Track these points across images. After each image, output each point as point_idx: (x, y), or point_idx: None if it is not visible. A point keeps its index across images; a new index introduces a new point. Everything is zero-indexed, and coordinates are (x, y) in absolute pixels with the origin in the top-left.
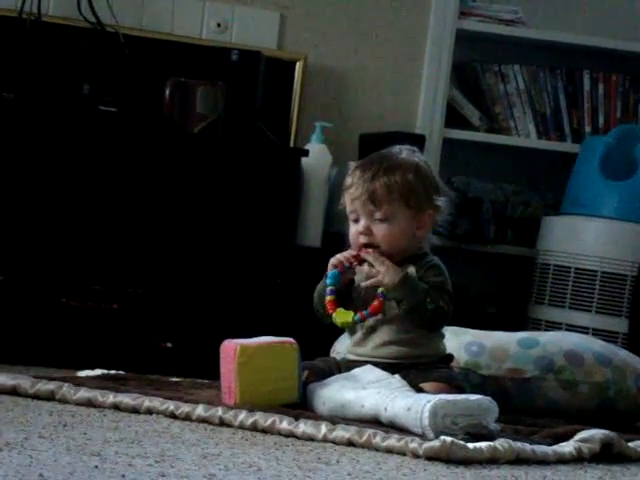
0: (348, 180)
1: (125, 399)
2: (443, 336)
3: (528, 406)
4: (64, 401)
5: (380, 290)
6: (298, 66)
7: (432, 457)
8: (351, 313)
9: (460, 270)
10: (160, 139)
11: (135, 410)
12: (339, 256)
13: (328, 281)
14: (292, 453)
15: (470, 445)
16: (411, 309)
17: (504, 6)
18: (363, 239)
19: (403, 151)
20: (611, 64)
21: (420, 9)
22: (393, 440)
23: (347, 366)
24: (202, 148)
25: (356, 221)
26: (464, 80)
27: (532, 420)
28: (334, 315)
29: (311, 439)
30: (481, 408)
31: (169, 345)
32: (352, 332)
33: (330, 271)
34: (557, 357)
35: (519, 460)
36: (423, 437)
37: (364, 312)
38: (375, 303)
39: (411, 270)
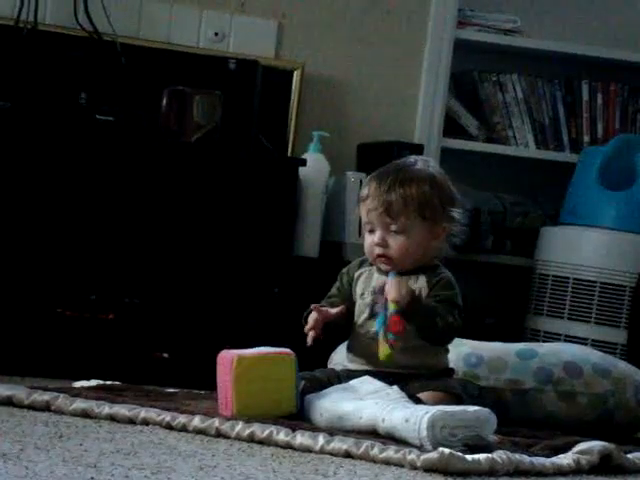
0: (364, 191)
1: (121, 410)
2: (447, 350)
3: (526, 417)
4: (60, 412)
5: (392, 308)
6: (295, 75)
7: (430, 469)
8: (385, 345)
9: (458, 280)
10: (157, 148)
11: (131, 421)
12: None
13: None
14: (289, 464)
15: (468, 457)
16: (421, 328)
17: (503, 15)
18: (378, 250)
19: (418, 162)
20: (610, 74)
21: (418, 18)
22: (391, 451)
23: (347, 376)
24: (199, 157)
25: (372, 232)
26: (462, 89)
27: (530, 432)
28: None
29: (308, 450)
30: (479, 420)
31: (165, 356)
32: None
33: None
34: (556, 368)
35: (517, 472)
36: (421, 448)
37: (390, 337)
38: (391, 324)
39: (421, 280)
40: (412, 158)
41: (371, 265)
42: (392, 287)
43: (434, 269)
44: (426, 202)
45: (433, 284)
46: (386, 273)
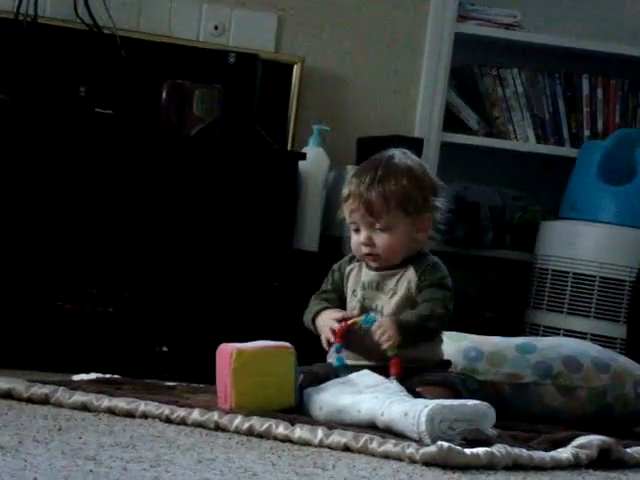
0: (345, 191)
1: (120, 403)
2: (441, 341)
3: (526, 412)
4: (59, 405)
5: (390, 354)
6: (295, 69)
7: (429, 463)
8: None
9: (458, 275)
10: (157, 142)
11: (130, 414)
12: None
13: (337, 364)
14: (288, 458)
15: (467, 451)
16: (416, 341)
17: (503, 10)
18: (365, 250)
19: (395, 155)
20: (610, 68)
21: (418, 12)
22: (390, 445)
23: (345, 370)
24: (199, 151)
25: (357, 231)
26: (462, 84)
27: (529, 426)
28: None
29: (307, 444)
30: (478, 413)
31: (165, 349)
32: None
33: (334, 355)
34: (555, 362)
35: (516, 466)
36: (420, 442)
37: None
38: (392, 367)
39: (409, 271)
40: (390, 152)
41: (359, 261)
42: (384, 332)
43: (421, 258)
44: (406, 196)
45: (421, 272)
46: (375, 269)
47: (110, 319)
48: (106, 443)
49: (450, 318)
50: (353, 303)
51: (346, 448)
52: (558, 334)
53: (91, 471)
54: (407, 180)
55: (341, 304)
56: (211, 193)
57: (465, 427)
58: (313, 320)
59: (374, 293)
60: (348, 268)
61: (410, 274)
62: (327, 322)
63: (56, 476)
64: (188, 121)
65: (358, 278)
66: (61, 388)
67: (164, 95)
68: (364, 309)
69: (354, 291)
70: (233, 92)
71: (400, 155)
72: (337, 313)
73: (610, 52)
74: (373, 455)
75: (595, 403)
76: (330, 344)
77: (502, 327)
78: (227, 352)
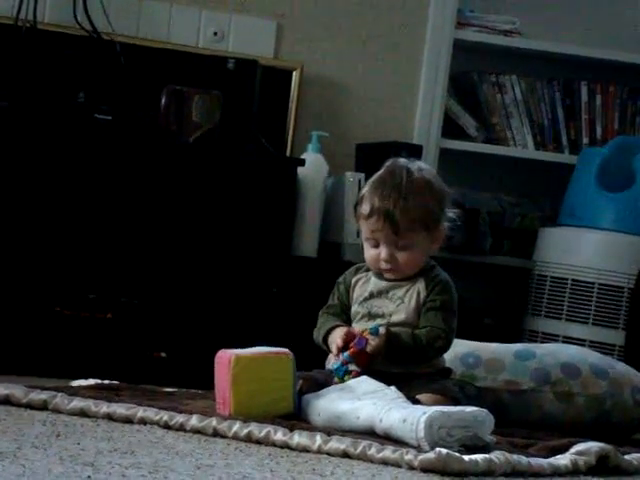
0: (366, 208)
1: (119, 409)
2: None
3: (524, 418)
4: (57, 411)
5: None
6: (295, 75)
7: (427, 469)
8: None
9: (456, 281)
10: (156, 148)
11: (129, 420)
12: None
13: (337, 370)
14: (287, 464)
15: (466, 457)
16: (406, 360)
17: (502, 16)
18: (385, 266)
19: (412, 169)
20: (609, 75)
21: (418, 19)
22: (388, 452)
23: None
24: (198, 157)
25: (375, 246)
26: (461, 90)
27: (528, 432)
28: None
29: (306, 450)
30: (477, 420)
31: (163, 355)
32: None
33: (337, 363)
34: (553, 369)
35: (515, 473)
36: (418, 449)
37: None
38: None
39: (419, 284)
40: (404, 165)
41: (367, 271)
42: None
43: (431, 270)
44: (429, 214)
45: (431, 288)
46: (387, 279)
47: (109, 325)
48: (104, 449)
49: (447, 343)
50: (357, 309)
51: (345, 454)
52: (557, 341)
53: (89, 477)
54: (429, 197)
55: (348, 317)
56: (210, 199)
57: (463, 434)
58: (325, 338)
59: (381, 301)
60: (354, 279)
61: (420, 286)
62: (337, 339)
63: None
64: (187, 127)
65: (365, 287)
66: (59, 394)
67: (163, 101)
68: (370, 316)
69: (360, 300)
70: (232, 98)
71: (415, 167)
72: (347, 330)
73: (609, 59)
74: (372, 461)
75: (593, 410)
76: (339, 351)
77: (500, 333)
78: (226, 358)
